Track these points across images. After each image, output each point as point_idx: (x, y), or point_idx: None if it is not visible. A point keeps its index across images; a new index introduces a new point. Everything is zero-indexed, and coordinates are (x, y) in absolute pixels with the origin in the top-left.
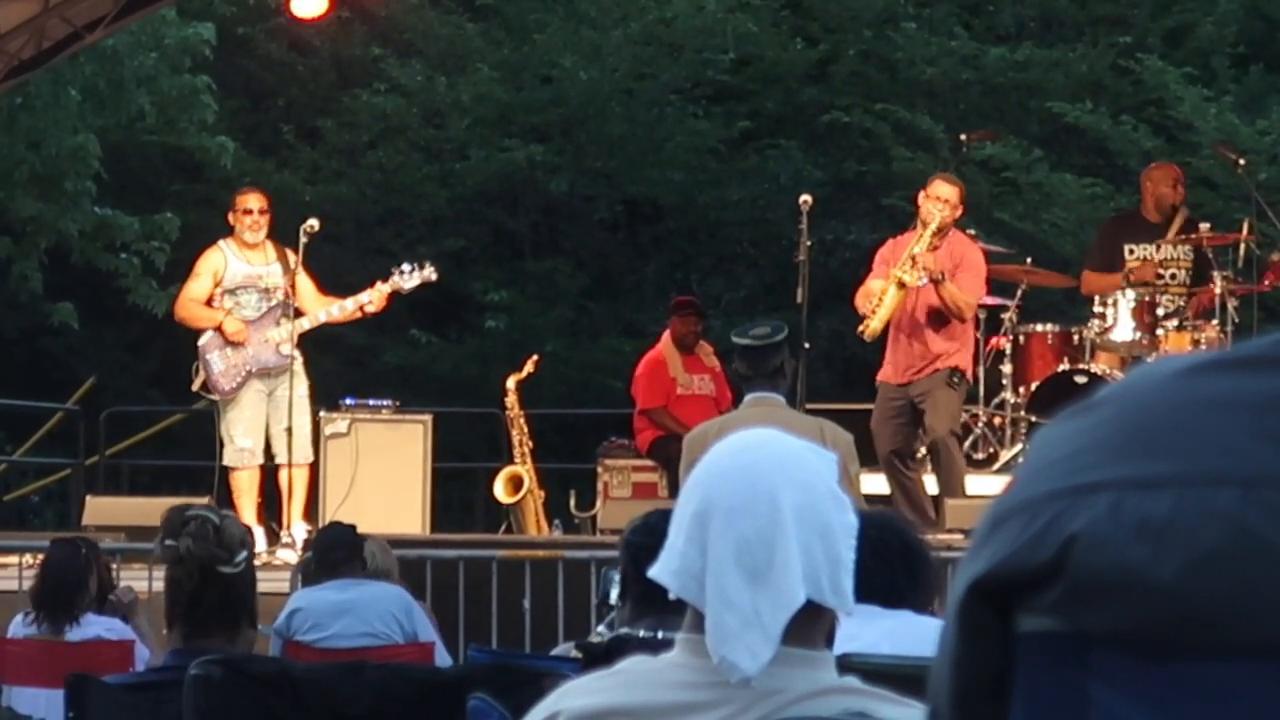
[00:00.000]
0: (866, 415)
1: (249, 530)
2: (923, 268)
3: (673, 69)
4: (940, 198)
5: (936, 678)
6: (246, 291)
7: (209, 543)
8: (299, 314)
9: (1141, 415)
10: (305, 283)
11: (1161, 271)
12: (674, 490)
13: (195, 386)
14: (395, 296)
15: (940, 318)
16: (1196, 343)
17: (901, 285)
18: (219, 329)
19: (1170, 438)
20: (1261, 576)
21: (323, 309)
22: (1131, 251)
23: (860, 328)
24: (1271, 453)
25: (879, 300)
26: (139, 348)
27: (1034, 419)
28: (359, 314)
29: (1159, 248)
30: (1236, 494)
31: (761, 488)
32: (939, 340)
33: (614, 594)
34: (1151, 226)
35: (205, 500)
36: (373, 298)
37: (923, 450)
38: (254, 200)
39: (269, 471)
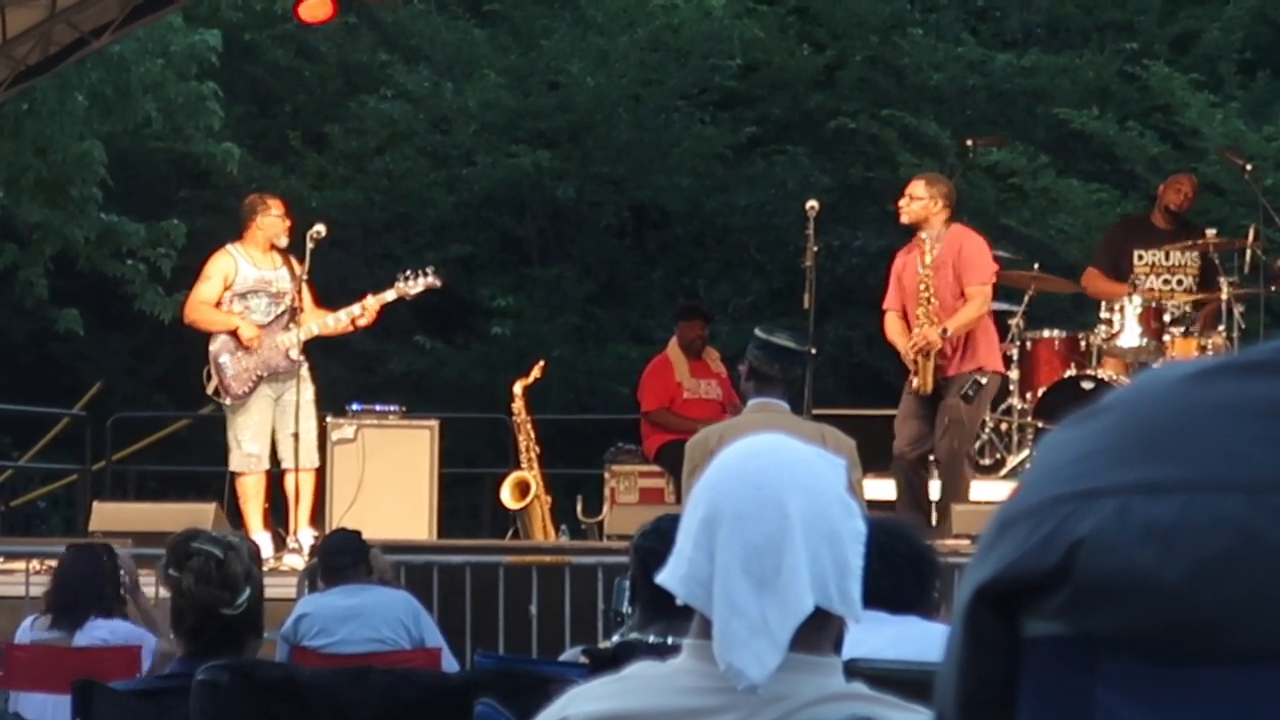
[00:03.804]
0: (873, 420)
1: (256, 553)
2: (926, 344)
3: (680, 75)
4: (906, 194)
5: (943, 683)
6: (256, 296)
7: (211, 584)
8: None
9: (1147, 420)
10: (305, 294)
11: (1169, 278)
12: (680, 496)
13: (209, 390)
14: (396, 303)
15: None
16: (1203, 348)
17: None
18: (233, 333)
19: (1176, 443)
20: (1268, 581)
21: (316, 321)
22: (1140, 257)
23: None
24: (1278, 458)
25: (914, 365)
26: (145, 353)
27: (1040, 425)
28: (350, 328)
29: (1166, 254)
30: (1243, 499)
31: (769, 494)
32: (959, 342)
33: (625, 604)
34: (1159, 232)
35: (213, 507)
36: (364, 309)
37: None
38: (282, 205)
39: (275, 477)
